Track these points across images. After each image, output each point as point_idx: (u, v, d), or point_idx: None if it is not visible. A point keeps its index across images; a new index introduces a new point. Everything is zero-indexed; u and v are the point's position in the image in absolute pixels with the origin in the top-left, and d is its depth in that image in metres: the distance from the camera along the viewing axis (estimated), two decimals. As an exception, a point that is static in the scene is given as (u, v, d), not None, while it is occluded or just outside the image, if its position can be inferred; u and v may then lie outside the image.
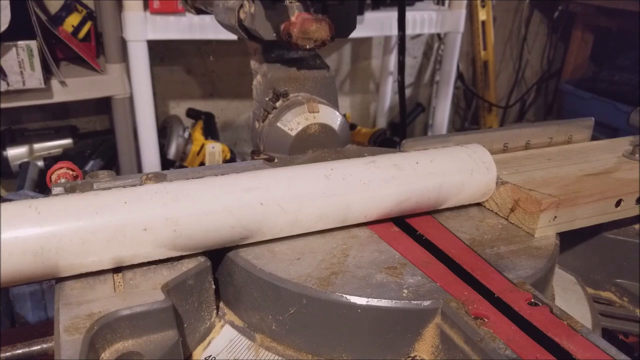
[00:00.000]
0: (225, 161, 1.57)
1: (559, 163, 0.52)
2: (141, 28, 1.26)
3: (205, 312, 0.38)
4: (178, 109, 1.75)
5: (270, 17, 0.50)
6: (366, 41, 1.99)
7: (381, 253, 0.39)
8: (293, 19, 0.50)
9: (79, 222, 0.33)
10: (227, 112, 1.85)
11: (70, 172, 0.45)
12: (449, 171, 0.43)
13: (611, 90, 1.90)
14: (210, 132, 1.64)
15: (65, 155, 1.45)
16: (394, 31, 1.50)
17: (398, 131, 1.91)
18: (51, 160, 1.39)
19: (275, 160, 0.52)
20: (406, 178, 0.42)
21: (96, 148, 1.48)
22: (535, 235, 0.43)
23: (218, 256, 0.39)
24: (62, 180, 0.44)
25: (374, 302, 0.34)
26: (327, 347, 0.36)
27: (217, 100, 1.81)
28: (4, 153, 1.41)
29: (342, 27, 0.54)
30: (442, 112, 1.83)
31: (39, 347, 0.38)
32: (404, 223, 0.44)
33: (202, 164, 1.54)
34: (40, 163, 1.40)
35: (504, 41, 2.30)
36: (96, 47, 1.38)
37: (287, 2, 0.50)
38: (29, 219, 0.32)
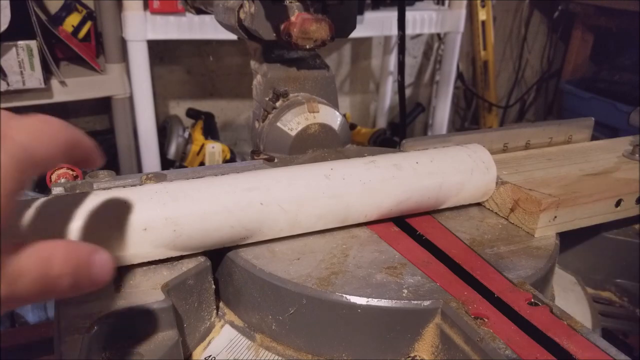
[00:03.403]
0: (225, 161, 1.57)
1: (559, 163, 0.52)
2: (141, 28, 1.26)
3: (205, 312, 0.38)
4: (178, 109, 1.75)
5: (270, 17, 0.50)
6: (366, 41, 1.99)
7: (381, 253, 0.39)
8: (293, 19, 0.50)
9: (78, 222, 0.33)
10: (227, 112, 1.85)
11: (70, 172, 0.45)
12: (449, 171, 0.43)
13: (611, 90, 1.90)
14: (210, 132, 1.64)
15: (65, 155, 1.44)
16: (394, 31, 1.50)
17: (398, 131, 1.91)
18: (51, 160, 1.39)
19: (275, 160, 0.52)
20: (406, 178, 0.42)
21: (96, 148, 1.47)
22: (535, 235, 0.43)
23: (218, 256, 0.39)
24: (62, 180, 0.44)
25: (374, 302, 0.34)
26: (327, 347, 0.36)
27: (217, 100, 1.81)
28: (4, 153, 1.40)
29: (342, 27, 0.54)
30: (442, 112, 1.83)
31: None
32: (404, 223, 0.44)
33: (202, 164, 1.54)
34: (40, 163, 1.39)
35: (504, 41, 2.30)
36: (96, 47, 1.37)
37: (287, 2, 0.50)
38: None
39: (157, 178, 0.43)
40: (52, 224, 0.32)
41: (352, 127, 1.87)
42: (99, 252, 0.25)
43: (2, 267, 0.21)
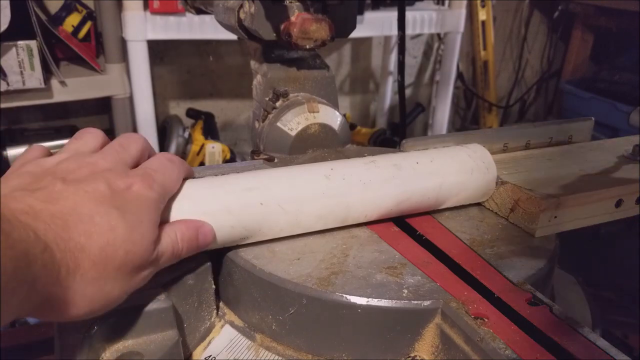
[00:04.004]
0: (225, 161, 1.57)
1: (559, 163, 0.52)
2: (141, 28, 1.26)
3: (205, 312, 0.38)
4: (178, 109, 1.75)
5: (270, 17, 0.50)
6: (366, 41, 1.99)
7: (381, 253, 0.39)
8: (293, 19, 0.50)
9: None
10: (227, 112, 1.85)
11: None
12: (449, 171, 0.43)
13: (611, 90, 1.90)
14: (210, 132, 1.64)
15: (65, 155, 1.44)
16: (394, 31, 1.50)
17: (398, 131, 1.91)
18: (51, 160, 1.39)
19: (275, 160, 0.52)
20: (406, 178, 0.42)
21: (96, 148, 1.47)
22: (535, 235, 0.43)
23: (218, 256, 0.39)
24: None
25: (374, 302, 0.34)
26: (327, 347, 0.36)
27: (217, 100, 1.81)
28: (4, 153, 1.40)
29: (342, 27, 0.54)
30: (442, 112, 1.83)
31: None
32: (404, 223, 0.44)
33: (202, 164, 1.54)
34: (40, 163, 1.39)
35: (504, 41, 2.30)
36: (96, 47, 1.37)
37: (287, 2, 0.50)
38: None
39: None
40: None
41: (352, 127, 1.87)
42: (203, 226, 0.34)
43: (153, 252, 0.31)
